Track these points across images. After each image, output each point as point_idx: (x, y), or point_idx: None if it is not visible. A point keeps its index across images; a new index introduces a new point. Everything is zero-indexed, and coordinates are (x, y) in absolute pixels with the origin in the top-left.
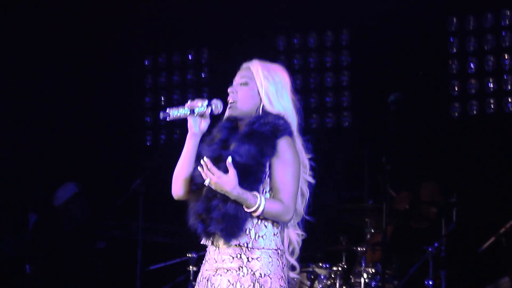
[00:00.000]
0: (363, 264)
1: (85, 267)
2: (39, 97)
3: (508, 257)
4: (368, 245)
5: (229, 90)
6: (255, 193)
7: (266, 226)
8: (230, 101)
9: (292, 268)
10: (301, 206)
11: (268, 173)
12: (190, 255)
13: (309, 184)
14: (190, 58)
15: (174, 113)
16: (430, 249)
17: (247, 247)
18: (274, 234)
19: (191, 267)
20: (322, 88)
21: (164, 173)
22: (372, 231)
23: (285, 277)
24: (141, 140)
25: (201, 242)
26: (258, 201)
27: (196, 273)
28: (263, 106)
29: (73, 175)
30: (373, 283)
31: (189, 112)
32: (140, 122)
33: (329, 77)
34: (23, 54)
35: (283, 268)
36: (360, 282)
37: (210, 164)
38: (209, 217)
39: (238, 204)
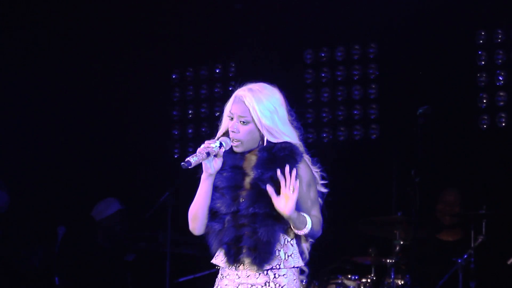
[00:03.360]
0: (392, 276)
1: (114, 279)
2: (69, 111)
3: None
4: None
5: (230, 128)
6: (301, 213)
7: (292, 245)
8: (233, 139)
9: (301, 271)
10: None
11: None
12: (218, 267)
13: (321, 194)
14: (217, 72)
15: (194, 159)
16: (459, 261)
17: (278, 269)
18: (298, 251)
19: None
20: (350, 101)
21: (192, 185)
22: (401, 242)
23: None
24: (169, 153)
25: (218, 263)
26: (308, 220)
27: None
28: (266, 139)
29: (101, 188)
30: None
31: (206, 156)
32: (168, 135)
33: (357, 90)
34: (58, 71)
35: (300, 284)
36: None
37: (293, 180)
38: (239, 246)
39: (269, 230)
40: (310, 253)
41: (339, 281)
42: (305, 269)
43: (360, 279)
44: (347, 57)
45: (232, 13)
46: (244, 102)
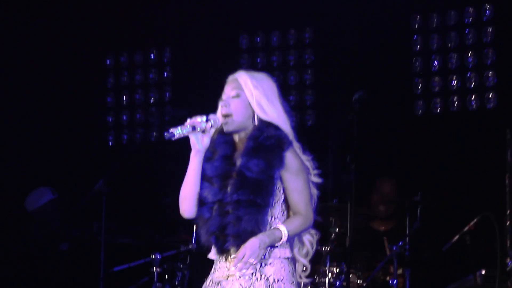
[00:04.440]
0: (328, 264)
1: (47, 268)
2: (1, 97)
3: (472, 255)
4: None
5: (220, 104)
6: (275, 226)
7: None
8: (224, 114)
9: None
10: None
11: (277, 186)
12: (153, 256)
13: (315, 184)
14: (152, 57)
15: (178, 132)
16: (394, 248)
17: (263, 258)
18: (286, 243)
19: (154, 268)
20: (286, 87)
21: (127, 173)
22: (337, 230)
23: (295, 282)
24: (104, 140)
25: (210, 257)
26: (282, 232)
27: (160, 274)
28: (257, 115)
29: (35, 176)
30: (337, 283)
31: (191, 130)
32: (102, 122)
33: (292, 76)
34: None
35: (293, 273)
36: (325, 282)
37: (239, 259)
38: (224, 234)
39: (253, 219)
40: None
41: None
42: (307, 265)
43: None
44: (282, 42)
45: None
46: (237, 79)
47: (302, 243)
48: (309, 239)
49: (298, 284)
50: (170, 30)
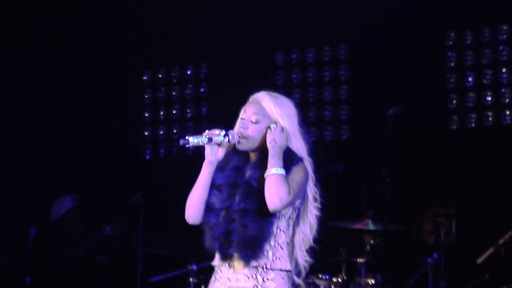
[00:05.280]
0: (363, 275)
1: (85, 279)
2: (41, 110)
3: (506, 267)
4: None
5: (240, 124)
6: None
7: (282, 248)
8: (240, 135)
9: (297, 286)
10: (310, 234)
11: None
12: (190, 267)
13: (316, 216)
14: (189, 73)
15: (194, 140)
16: (429, 260)
17: (264, 268)
18: (288, 256)
19: (191, 279)
20: (321, 102)
21: (164, 186)
22: (372, 242)
23: None
24: (141, 154)
25: (214, 263)
26: (282, 169)
27: (196, 285)
28: None
29: (73, 188)
30: None
31: (207, 141)
32: (140, 136)
33: (328, 91)
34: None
35: None
36: None
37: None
38: (229, 240)
39: (258, 227)
40: (306, 268)
41: (310, 281)
42: (302, 284)
43: (331, 278)
44: (318, 58)
45: (204, 15)
46: (261, 102)
47: (296, 261)
48: (304, 260)
49: None
50: (207, 47)
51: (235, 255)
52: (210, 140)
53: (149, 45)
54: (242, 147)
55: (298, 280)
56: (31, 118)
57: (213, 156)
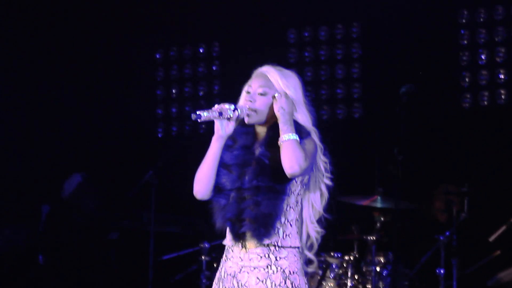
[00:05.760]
0: (374, 254)
1: (97, 257)
2: (53, 90)
3: None
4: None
5: (246, 97)
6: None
7: (291, 225)
8: (247, 108)
9: (309, 261)
10: (320, 205)
11: None
12: (202, 245)
13: (327, 186)
14: (201, 51)
15: (204, 114)
16: (441, 238)
17: (275, 246)
18: (297, 232)
19: (203, 257)
20: (333, 80)
21: (176, 164)
22: (382, 219)
23: (304, 274)
24: (153, 132)
25: (226, 243)
26: (295, 134)
27: (208, 263)
28: None
29: (85, 166)
30: (384, 272)
31: (218, 115)
32: (152, 114)
33: (340, 69)
34: (36, 45)
35: (303, 264)
36: (371, 271)
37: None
38: (241, 219)
39: (271, 204)
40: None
41: (322, 259)
42: (313, 258)
43: (342, 256)
44: (330, 36)
45: None
46: (267, 75)
47: (307, 235)
48: (316, 231)
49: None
50: (219, 25)
51: (248, 233)
52: (220, 114)
53: (161, 24)
54: (251, 120)
55: (310, 255)
56: (44, 96)
57: (223, 130)
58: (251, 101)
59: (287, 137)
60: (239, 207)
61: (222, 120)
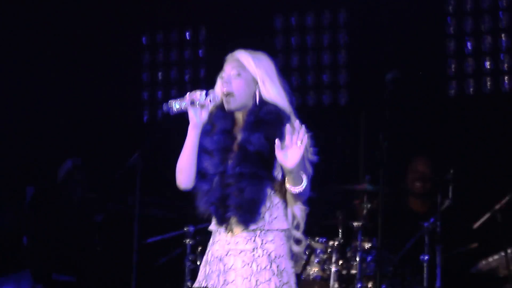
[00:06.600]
0: (360, 239)
1: (82, 239)
2: (38, 74)
3: (503, 233)
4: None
5: (221, 82)
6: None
7: (278, 208)
8: (225, 92)
9: (298, 241)
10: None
11: (277, 159)
12: (186, 229)
13: (311, 162)
14: (187, 36)
15: (176, 105)
16: (426, 225)
17: (261, 230)
18: (284, 215)
19: (187, 240)
20: (319, 67)
21: (161, 148)
22: (369, 206)
23: (291, 257)
24: (139, 116)
25: (211, 228)
26: (304, 178)
27: (193, 247)
28: (259, 94)
29: (71, 149)
30: (369, 258)
31: (190, 104)
32: (138, 98)
33: (326, 56)
34: (19, 30)
35: (290, 247)
36: (356, 257)
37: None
38: (225, 204)
39: (255, 190)
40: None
41: (307, 243)
42: (302, 238)
43: (327, 241)
44: (316, 23)
45: None
46: (236, 59)
47: (293, 215)
48: (300, 210)
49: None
50: (205, 10)
51: (233, 219)
52: (192, 102)
53: (148, 7)
54: (231, 105)
55: (298, 234)
56: (30, 80)
57: (197, 118)
58: (227, 84)
59: (301, 187)
60: (223, 193)
61: (195, 108)
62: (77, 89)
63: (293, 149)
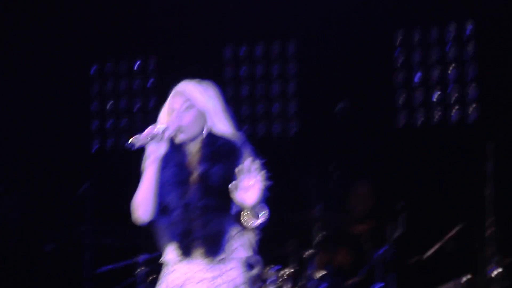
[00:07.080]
0: (312, 268)
1: (31, 269)
2: None
3: (454, 262)
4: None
5: (172, 117)
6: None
7: (238, 237)
8: (176, 127)
9: (253, 266)
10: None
11: None
12: (138, 258)
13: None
14: (137, 66)
15: (137, 142)
16: (378, 253)
17: (222, 259)
18: (244, 244)
19: (139, 269)
20: (269, 97)
21: (112, 177)
22: (321, 234)
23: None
24: (88, 146)
25: (167, 259)
26: (265, 210)
27: (145, 276)
28: (209, 125)
29: (19, 180)
30: (322, 286)
31: (149, 139)
32: (86, 128)
33: (276, 86)
34: None
35: (248, 274)
36: (310, 285)
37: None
38: (191, 237)
39: (220, 222)
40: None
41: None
42: (258, 258)
43: (281, 269)
44: (266, 53)
45: (153, 8)
46: (183, 93)
47: (249, 242)
48: (254, 238)
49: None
50: (155, 40)
51: (198, 250)
52: (151, 138)
53: (97, 37)
54: (181, 138)
55: (253, 260)
56: None
57: (156, 152)
58: (178, 119)
59: (262, 219)
60: (188, 225)
61: (153, 143)
62: (25, 118)
63: (251, 188)
